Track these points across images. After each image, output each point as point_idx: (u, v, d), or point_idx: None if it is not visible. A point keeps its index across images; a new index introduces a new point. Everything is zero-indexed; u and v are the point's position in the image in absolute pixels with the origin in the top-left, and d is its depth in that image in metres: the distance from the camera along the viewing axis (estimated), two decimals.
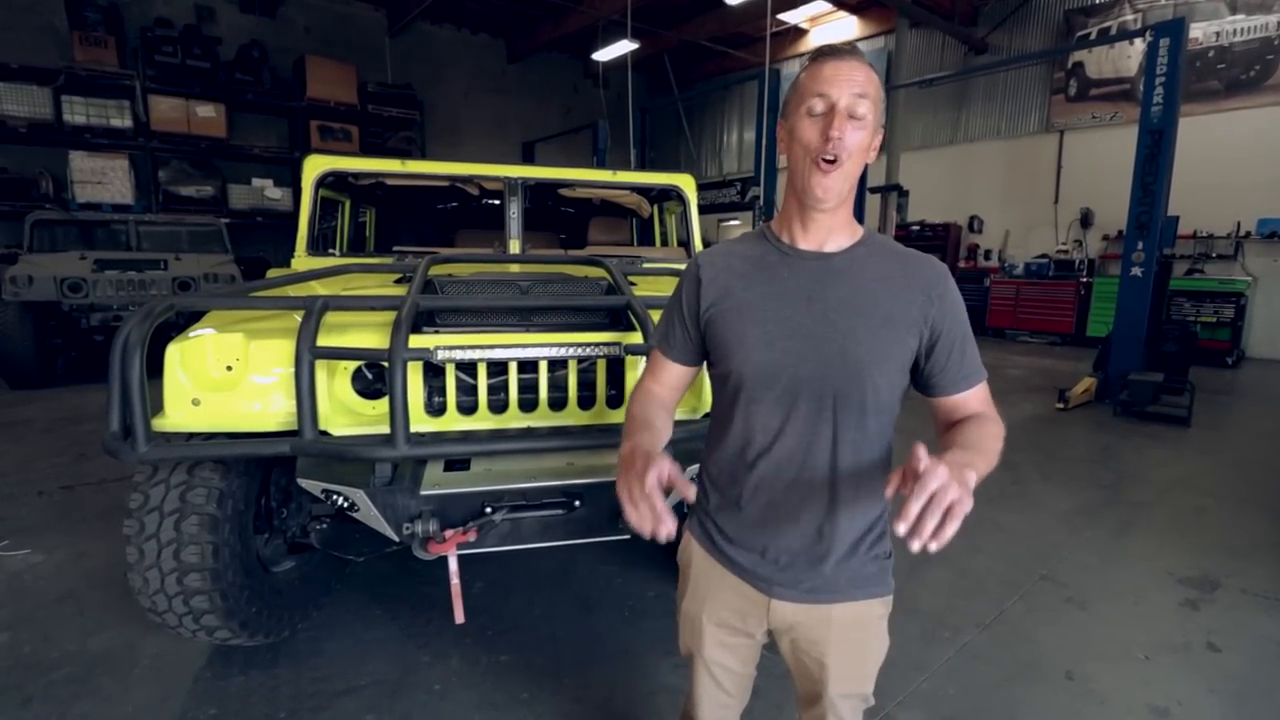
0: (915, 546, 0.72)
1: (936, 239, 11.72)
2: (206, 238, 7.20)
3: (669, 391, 1.18)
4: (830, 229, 1.03)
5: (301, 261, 2.79)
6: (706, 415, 1.83)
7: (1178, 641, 2.28)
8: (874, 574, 1.07)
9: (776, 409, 1.02)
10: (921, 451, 0.75)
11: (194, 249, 6.98)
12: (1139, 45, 9.10)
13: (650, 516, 0.87)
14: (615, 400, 1.89)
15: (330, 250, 3.20)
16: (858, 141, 0.94)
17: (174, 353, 1.63)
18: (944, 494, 0.72)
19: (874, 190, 9.94)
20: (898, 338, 1.00)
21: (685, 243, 3.55)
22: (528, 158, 13.92)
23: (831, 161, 0.94)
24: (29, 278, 5.69)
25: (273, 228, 9.88)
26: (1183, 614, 2.46)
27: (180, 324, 1.83)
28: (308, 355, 1.55)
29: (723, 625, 1.13)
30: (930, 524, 0.71)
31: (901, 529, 0.73)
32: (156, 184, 9.46)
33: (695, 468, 1.77)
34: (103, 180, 8.80)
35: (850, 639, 1.08)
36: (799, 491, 1.03)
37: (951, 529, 0.71)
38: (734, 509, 1.08)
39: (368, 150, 11.17)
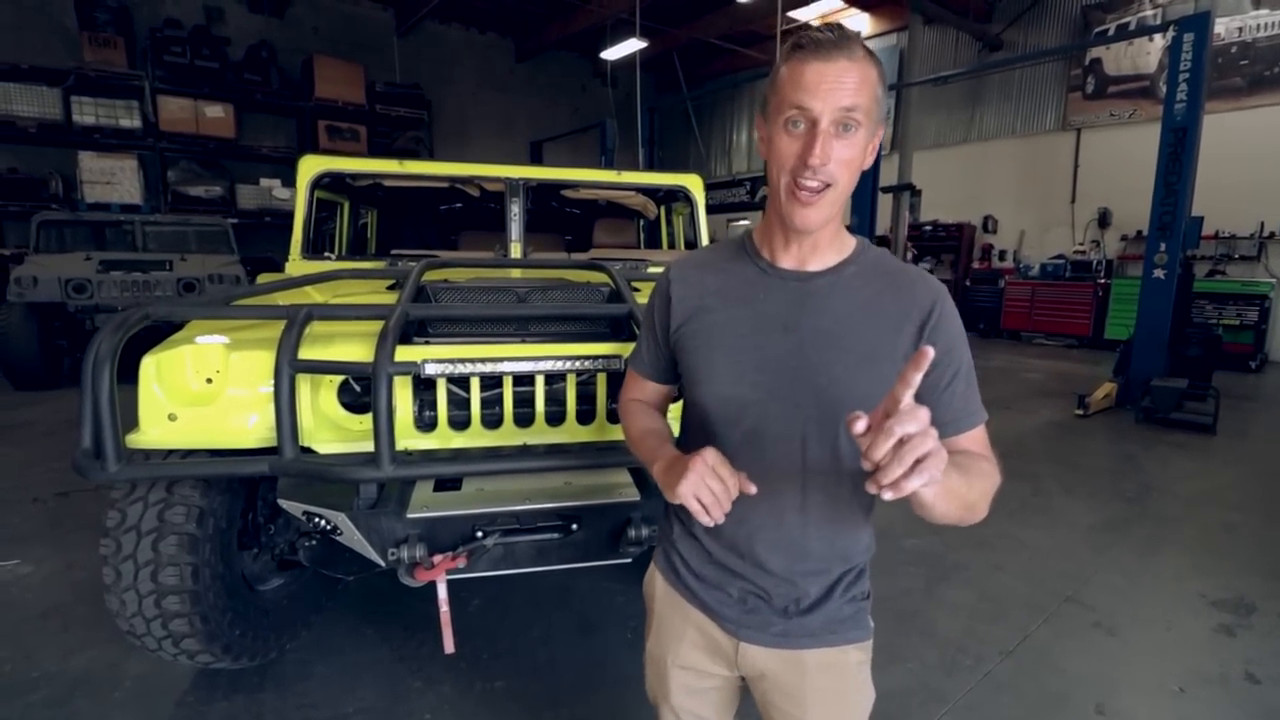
0: (870, 489, 0.63)
1: (950, 239, 11.55)
2: (213, 238, 7.17)
3: (653, 403, 1.09)
4: (815, 245, 0.90)
5: (296, 265, 2.71)
6: None
7: (1214, 672, 2.15)
8: (850, 616, 0.96)
9: (741, 448, 0.90)
10: (906, 397, 0.63)
11: (200, 249, 6.95)
12: (1158, 41, 8.91)
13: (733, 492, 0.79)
14: (616, 415, 1.78)
15: (328, 254, 3.11)
16: (848, 160, 0.80)
17: (149, 365, 1.54)
18: (917, 442, 0.60)
19: (885, 190, 9.76)
20: (881, 376, 0.84)
21: (693, 244, 3.44)
22: (535, 157, 13.85)
23: (814, 189, 0.81)
24: (34, 279, 5.67)
25: (281, 228, 9.79)
26: (1218, 641, 2.32)
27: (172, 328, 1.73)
28: (288, 369, 1.46)
29: (689, 668, 1.02)
30: (895, 472, 0.60)
31: (865, 466, 0.63)
32: (165, 184, 9.47)
33: None
34: (111, 180, 8.81)
35: (828, 689, 0.97)
36: (766, 536, 0.92)
37: (916, 482, 0.60)
38: (698, 544, 0.98)
39: (375, 150, 11.13)
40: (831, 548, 0.93)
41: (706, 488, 0.78)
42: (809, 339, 0.87)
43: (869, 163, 0.86)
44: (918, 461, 0.60)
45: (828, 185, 0.81)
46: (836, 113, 0.78)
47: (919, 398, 0.83)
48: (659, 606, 1.05)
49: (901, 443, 0.60)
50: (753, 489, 0.79)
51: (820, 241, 0.89)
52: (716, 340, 0.92)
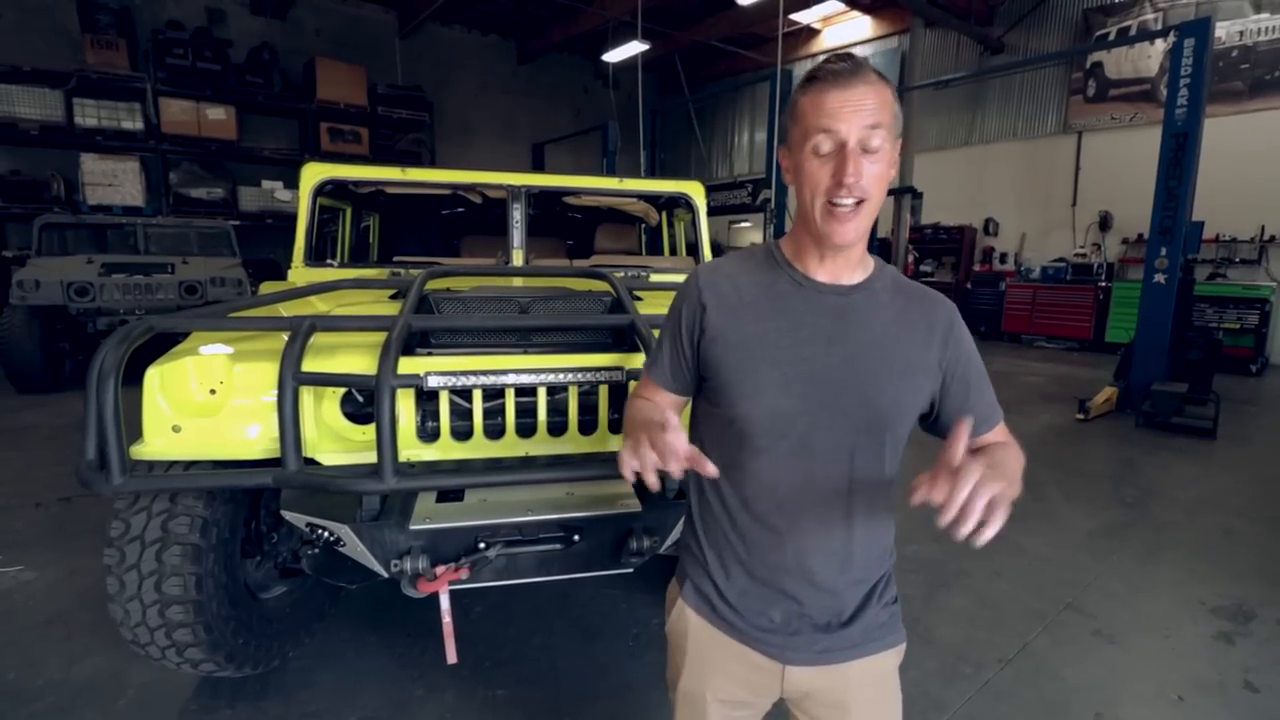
0: (962, 534, 0.69)
1: (951, 242, 11.55)
2: (215, 240, 7.19)
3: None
4: (848, 261, 0.93)
5: (299, 273, 2.72)
6: None
7: (1213, 680, 2.15)
8: (886, 622, 1.00)
9: (787, 461, 0.92)
10: (957, 450, 0.71)
11: (202, 251, 6.97)
12: (1160, 45, 8.90)
13: (666, 451, 0.78)
14: (618, 425, 1.79)
15: (330, 260, 3.12)
16: (876, 175, 0.85)
17: (153, 376, 1.55)
18: (986, 484, 0.68)
19: (887, 193, 9.77)
20: (916, 386, 0.93)
21: (694, 250, 3.45)
22: (537, 159, 13.86)
23: (850, 206, 0.84)
24: (36, 282, 5.68)
25: (282, 230, 9.85)
26: (1217, 649, 2.33)
27: (178, 339, 1.74)
28: (291, 382, 1.47)
29: (729, 701, 1.02)
30: (977, 511, 0.68)
31: (945, 519, 0.69)
32: (167, 186, 9.49)
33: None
34: (114, 182, 8.82)
35: (872, 698, 1.00)
36: (812, 550, 0.93)
37: (998, 522, 0.68)
38: (737, 570, 0.98)
39: (377, 152, 11.14)
40: (870, 555, 0.96)
41: (641, 456, 0.80)
42: (856, 352, 0.90)
43: (893, 176, 0.90)
44: (991, 502, 0.68)
45: (862, 201, 0.85)
46: (862, 132, 0.82)
47: (947, 410, 0.97)
48: (693, 643, 1.03)
49: (974, 491, 0.68)
50: (713, 469, 0.79)
51: (852, 257, 0.93)
52: (758, 352, 0.91)
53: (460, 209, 3.81)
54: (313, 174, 2.79)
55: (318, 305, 2.09)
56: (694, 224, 3.36)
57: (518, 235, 2.89)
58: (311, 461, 1.61)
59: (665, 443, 0.78)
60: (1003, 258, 11.26)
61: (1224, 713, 2.00)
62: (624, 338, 1.83)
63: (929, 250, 11.68)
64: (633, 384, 1.71)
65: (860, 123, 0.82)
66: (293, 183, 10.29)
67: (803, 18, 12.25)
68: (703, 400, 1.01)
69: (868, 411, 0.90)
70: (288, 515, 1.62)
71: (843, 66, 0.83)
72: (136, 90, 9.19)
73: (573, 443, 1.75)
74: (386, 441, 1.45)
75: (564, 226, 4.29)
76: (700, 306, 0.96)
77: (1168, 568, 2.93)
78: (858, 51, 12.71)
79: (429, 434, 1.70)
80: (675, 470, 0.78)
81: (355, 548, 1.55)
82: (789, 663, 0.97)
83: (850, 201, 0.84)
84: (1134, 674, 2.18)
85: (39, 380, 5.93)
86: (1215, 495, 3.83)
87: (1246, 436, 5.19)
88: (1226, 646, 2.34)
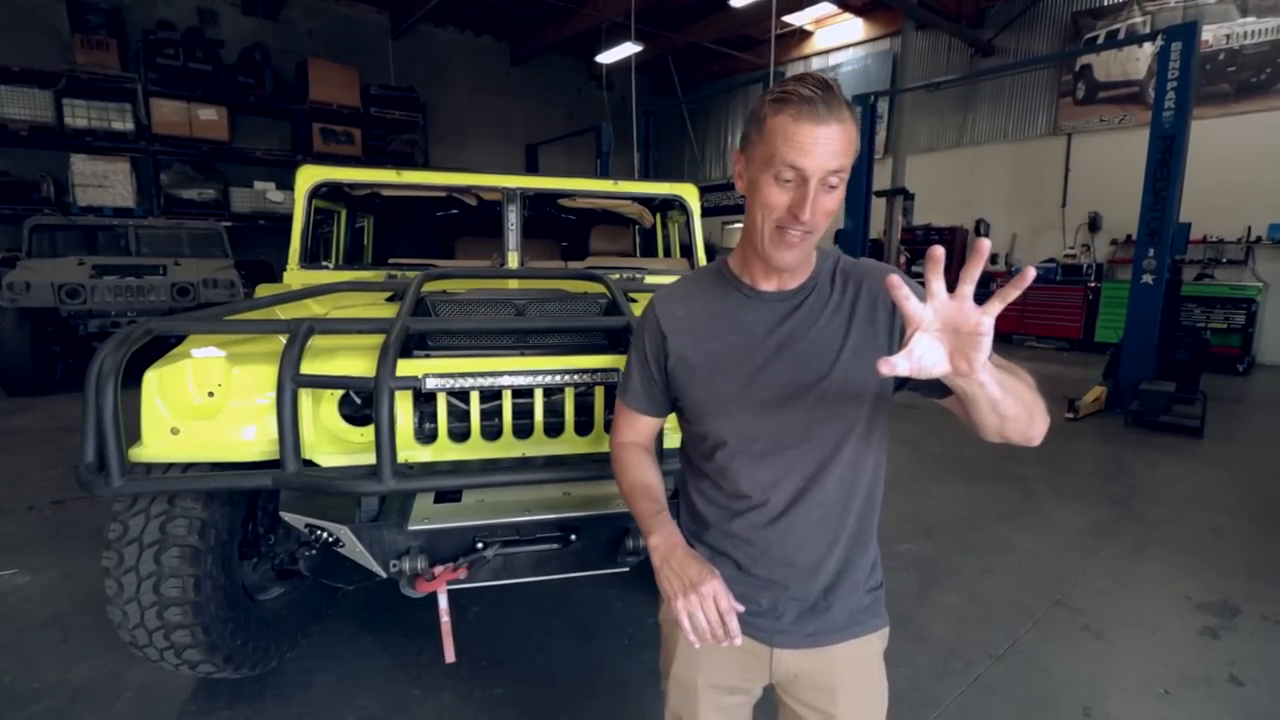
0: (959, 370, 0.78)
1: (943, 242, 11.40)
2: (207, 241, 7.16)
3: (646, 440, 1.15)
4: (794, 272, 0.97)
5: (294, 276, 2.72)
6: None
7: (1198, 674, 2.19)
8: (869, 606, 1.03)
9: (763, 462, 0.97)
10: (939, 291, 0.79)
11: (194, 253, 6.94)
12: (1148, 48, 8.99)
13: (722, 634, 0.89)
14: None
15: (325, 262, 3.13)
16: (829, 210, 0.87)
17: (152, 379, 1.56)
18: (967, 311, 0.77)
19: (879, 194, 9.81)
20: (868, 363, 0.87)
21: (689, 251, 3.48)
22: (531, 160, 13.85)
23: (799, 234, 0.87)
24: (26, 284, 5.65)
25: (275, 230, 9.87)
26: (1203, 643, 2.37)
27: (173, 342, 1.74)
28: (290, 384, 1.48)
29: (719, 687, 1.06)
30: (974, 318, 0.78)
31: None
32: (158, 187, 9.45)
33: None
34: (104, 184, 8.78)
35: (858, 681, 1.03)
36: (794, 540, 0.98)
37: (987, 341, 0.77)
38: (726, 561, 1.02)
39: (370, 153, 11.12)
40: (854, 539, 0.99)
41: (701, 613, 0.88)
42: (804, 348, 0.95)
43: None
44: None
45: (809, 232, 0.88)
46: (825, 173, 0.84)
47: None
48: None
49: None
50: (739, 641, 0.90)
51: (799, 269, 0.97)
52: (717, 368, 0.98)
53: (455, 211, 3.82)
54: (308, 176, 2.79)
55: (314, 308, 2.09)
56: (688, 225, 3.38)
57: (513, 237, 2.90)
58: (310, 463, 1.62)
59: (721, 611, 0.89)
60: (994, 258, 11.33)
61: (1209, 706, 2.03)
62: (619, 339, 1.85)
63: (921, 251, 11.70)
64: None
65: (826, 165, 0.83)
66: (285, 184, 10.34)
67: (795, 20, 12.31)
68: (681, 418, 1.07)
69: (824, 402, 0.93)
70: (286, 516, 1.64)
71: (817, 96, 0.81)
72: (127, 91, 9.15)
73: (569, 443, 1.76)
74: (385, 443, 1.47)
75: (559, 228, 4.31)
76: (661, 335, 1.03)
77: (1155, 564, 2.98)
78: (850, 54, 12.81)
79: (426, 435, 1.72)
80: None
81: (354, 548, 1.57)
82: (776, 645, 1.01)
83: (799, 231, 0.87)
84: (1121, 668, 2.22)
85: (30, 383, 5.90)
86: (1202, 493, 3.88)
87: (1233, 435, 5.27)
88: (1212, 641, 2.38)
